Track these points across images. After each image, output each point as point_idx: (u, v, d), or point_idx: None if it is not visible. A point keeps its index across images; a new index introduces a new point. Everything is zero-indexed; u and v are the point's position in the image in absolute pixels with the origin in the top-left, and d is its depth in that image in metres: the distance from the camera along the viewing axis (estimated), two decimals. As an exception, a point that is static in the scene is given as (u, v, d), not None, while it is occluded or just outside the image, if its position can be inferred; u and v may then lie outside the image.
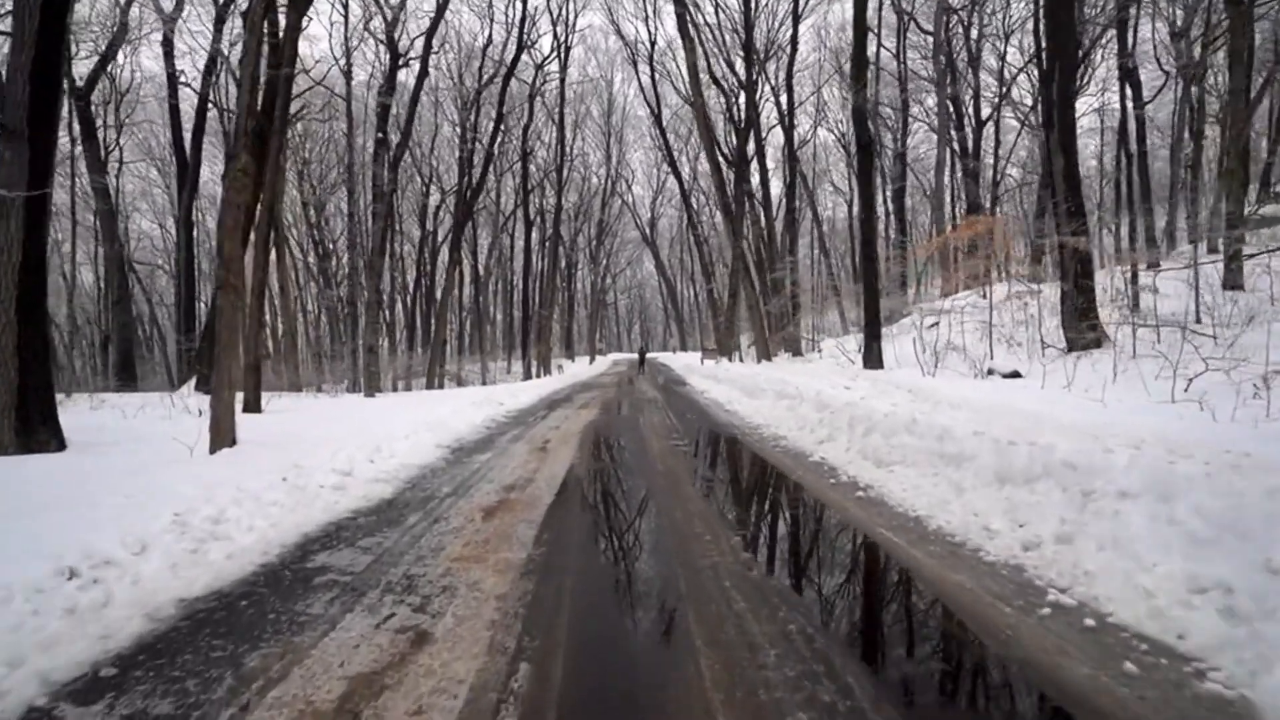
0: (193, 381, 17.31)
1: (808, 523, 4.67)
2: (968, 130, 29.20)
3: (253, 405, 11.52)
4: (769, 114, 31.37)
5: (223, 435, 6.41)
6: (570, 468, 6.60)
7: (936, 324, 17.35)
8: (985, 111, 30.77)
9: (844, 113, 40.70)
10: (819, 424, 7.75)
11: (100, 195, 20.52)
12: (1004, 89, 27.16)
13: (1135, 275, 13.72)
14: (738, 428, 9.23)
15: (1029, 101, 32.09)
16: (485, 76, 25.94)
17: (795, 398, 9.45)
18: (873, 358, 12.99)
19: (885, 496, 4.84)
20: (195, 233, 26.01)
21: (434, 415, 10.48)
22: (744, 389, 13.15)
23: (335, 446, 7.09)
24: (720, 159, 23.66)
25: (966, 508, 4.15)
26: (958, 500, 4.32)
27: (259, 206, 12.00)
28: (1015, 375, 8.89)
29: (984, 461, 4.43)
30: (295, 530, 4.40)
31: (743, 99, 25.85)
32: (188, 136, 21.50)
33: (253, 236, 12.36)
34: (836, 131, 40.85)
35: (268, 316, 36.04)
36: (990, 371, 9.20)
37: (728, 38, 27.28)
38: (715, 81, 24.36)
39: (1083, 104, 29.51)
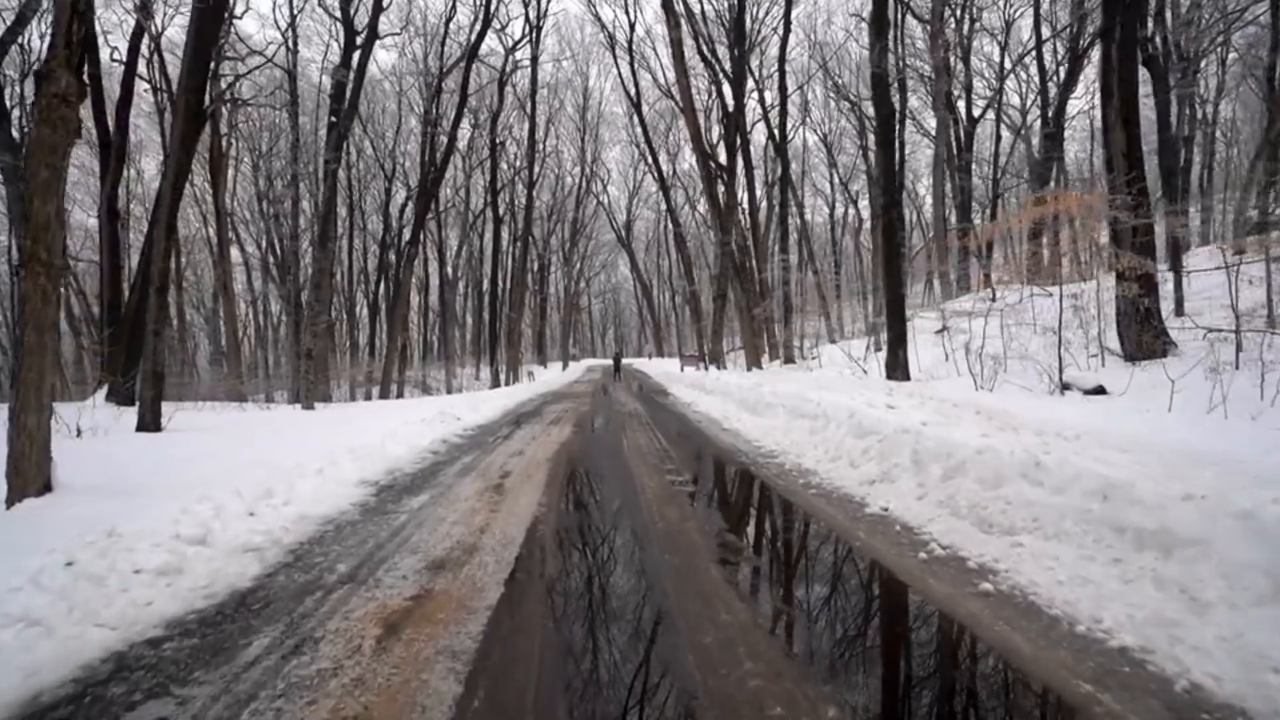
0: (103, 391, 15.02)
1: (932, 656, 2.81)
2: (960, 128, 27.97)
3: (150, 423, 9.40)
4: (751, 110, 29.79)
5: (26, 479, 4.39)
6: (532, 525, 4.67)
7: (945, 328, 15.77)
8: (977, 111, 29.71)
9: (825, 110, 39.52)
10: (862, 456, 5.94)
11: (8, 177, 18.07)
12: (1006, 71, 25.83)
13: (1179, 276, 12.24)
14: (746, 454, 7.39)
15: (1015, 102, 31.30)
16: (451, 59, 23.88)
17: (817, 416, 7.63)
18: (898, 367, 11.25)
19: (1032, 594, 3.02)
20: (126, 224, 23.49)
21: (371, 435, 8.48)
22: (742, 403, 11.32)
23: (209, 488, 5.11)
24: (705, 147, 21.85)
25: (1237, 647, 2.33)
26: (1198, 622, 2.50)
27: (167, 185, 9.89)
28: (1100, 391, 7.18)
29: (1230, 554, 2.63)
30: (21, 681, 2.43)
31: (728, 88, 24.13)
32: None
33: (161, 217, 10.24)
34: (820, 132, 39.70)
35: (223, 320, 33.39)
36: (1066, 386, 7.49)
37: (712, 29, 25.61)
38: (703, 58, 22.56)
39: (1072, 106, 28.70)
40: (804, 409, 8.23)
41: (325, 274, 19.19)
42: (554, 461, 7.39)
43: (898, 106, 22.75)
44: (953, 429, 5.48)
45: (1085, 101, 31.41)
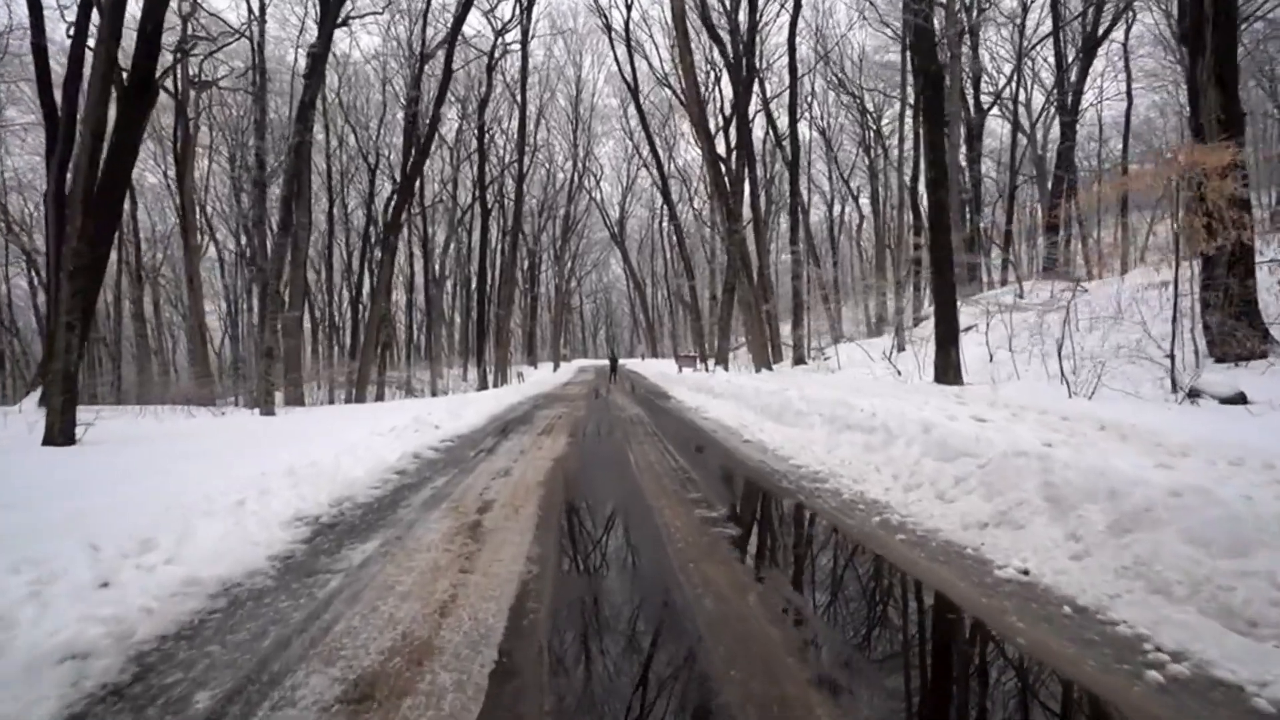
0: (37, 394, 13.41)
1: None
2: (969, 118, 26.72)
3: (59, 435, 7.83)
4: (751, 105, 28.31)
5: None
6: (518, 600, 3.19)
7: (974, 326, 14.43)
8: (986, 103, 28.59)
9: (824, 106, 38.17)
10: (956, 486, 4.50)
11: None
12: (1026, 49, 24.60)
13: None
14: (786, 477, 5.92)
15: (1021, 97, 30.04)
16: (435, 40, 22.30)
17: (873, 430, 6.19)
18: (949, 368, 9.78)
19: None
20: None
21: (324, 450, 6.97)
22: (763, 409, 9.87)
23: (59, 538, 3.62)
24: (709, 128, 20.30)
25: None
26: None
27: (83, 154, 8.32)
28: (1240, 399, 5.78)
29: None
30: None
31: (728, 75, 22.63)
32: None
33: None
34: (819, 126, 38.33)
35: (217, 321, 31.41)
36: (1195, 393, 6.08)
37: (713, 16, 24.12)
38: (707, 28, 20.99)
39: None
40: (851, 419, 6.79)
41: (297, 265, 17.62)
42: (547, 486, 5.91)
43: (910, 94, 21.38)
44: (1089, 451, 4.04)
45: (1092, 95, 30.33)
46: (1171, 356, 6.62)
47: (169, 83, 22.01)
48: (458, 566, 3.73)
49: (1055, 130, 27.90)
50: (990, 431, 4.81)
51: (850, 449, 6.30)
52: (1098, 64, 27.23)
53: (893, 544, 3.95)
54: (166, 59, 21.29)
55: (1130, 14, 24.96)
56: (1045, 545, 3.48)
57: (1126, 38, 27.51)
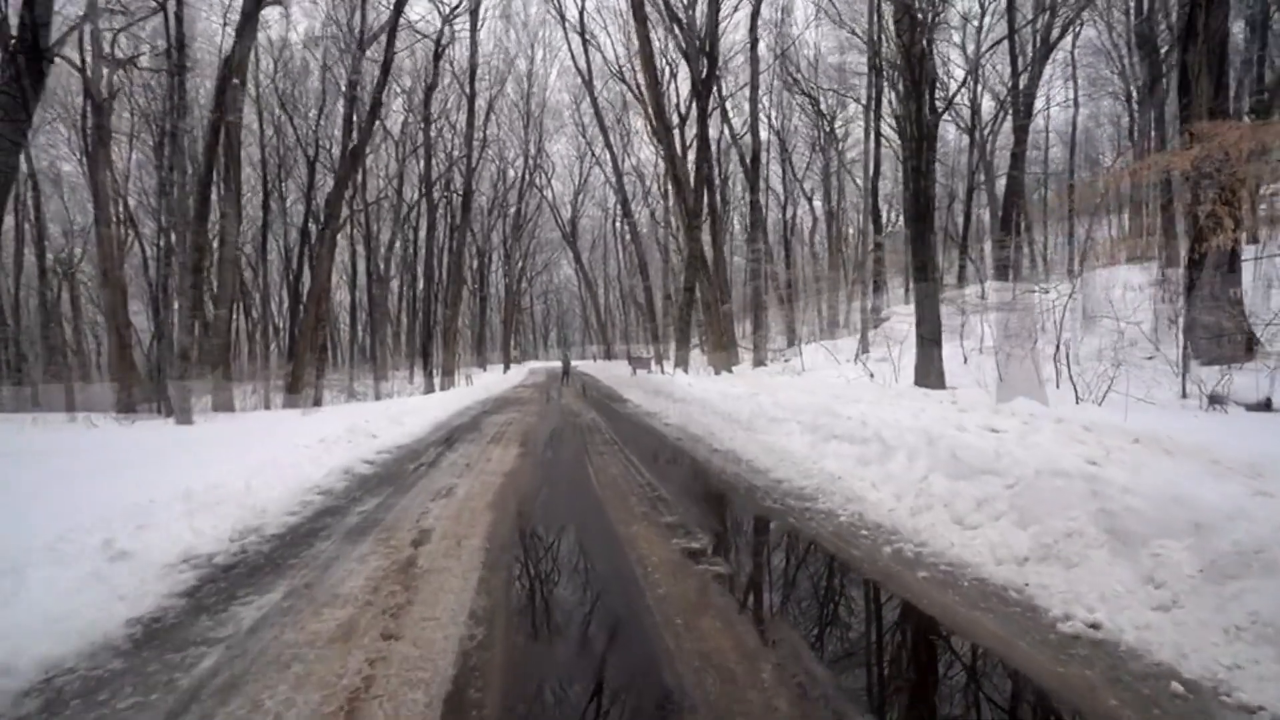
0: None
1: None
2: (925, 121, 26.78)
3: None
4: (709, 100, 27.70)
5: None
6: (451, 689, 2.37)
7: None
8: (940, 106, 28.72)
9: (783, 108, 38.02)
10: (977, 509, 3.86)
11: None
12: (982, 51, 24.74)
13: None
14: (770, 495, 5.22)
15: (970, 104, 30.35)
16: (377, 22, 21.04)
17: (867, 440, 5.54)
18: (931, 372, 9.26)
19: None
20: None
21: (241, 465, 5.96)
22: (730, 416, 9.17)
23: None
24: (667, 119, 19.51)
25: None
26: None
27: None
28: (1267, 406, 5.33)
29: None
30: None
31: (686, 65, 21.96)
32: None
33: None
34: (774, 125, 38.14)
35: (146, 322, 28.96)
36: (1216, 400, 5.61)
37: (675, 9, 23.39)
38: (667, 9, 20.11)
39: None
40: (837, 428, 6.13)
41: (224, 259, 16.25)
42: (496, 510, 5.07)
43: (874, 93, 21.15)
44: (1144, 472, 3.44)
45: (1040, 103, 30.91)
46: (1184, 361, 6.20)
47: (75, 56, 20.20)
48: (379, 629, 2.89)
49: (1002, 137, 28.34)
50: (1010, 444, 4.20)
51: (838, 462, 5.64)
52: (1045, 71, 27.77)
53: (915, 583, 3.27)
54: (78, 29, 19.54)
55: (1079, 23, 25.46)
56: (1114, 590, 2.84)
57: (1074, 46, 28.18)
